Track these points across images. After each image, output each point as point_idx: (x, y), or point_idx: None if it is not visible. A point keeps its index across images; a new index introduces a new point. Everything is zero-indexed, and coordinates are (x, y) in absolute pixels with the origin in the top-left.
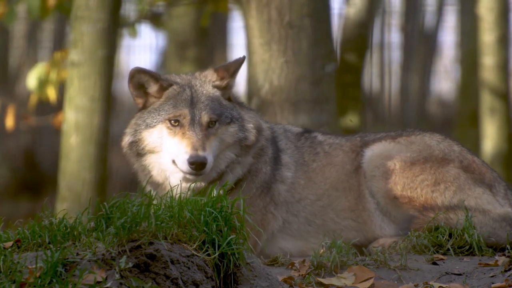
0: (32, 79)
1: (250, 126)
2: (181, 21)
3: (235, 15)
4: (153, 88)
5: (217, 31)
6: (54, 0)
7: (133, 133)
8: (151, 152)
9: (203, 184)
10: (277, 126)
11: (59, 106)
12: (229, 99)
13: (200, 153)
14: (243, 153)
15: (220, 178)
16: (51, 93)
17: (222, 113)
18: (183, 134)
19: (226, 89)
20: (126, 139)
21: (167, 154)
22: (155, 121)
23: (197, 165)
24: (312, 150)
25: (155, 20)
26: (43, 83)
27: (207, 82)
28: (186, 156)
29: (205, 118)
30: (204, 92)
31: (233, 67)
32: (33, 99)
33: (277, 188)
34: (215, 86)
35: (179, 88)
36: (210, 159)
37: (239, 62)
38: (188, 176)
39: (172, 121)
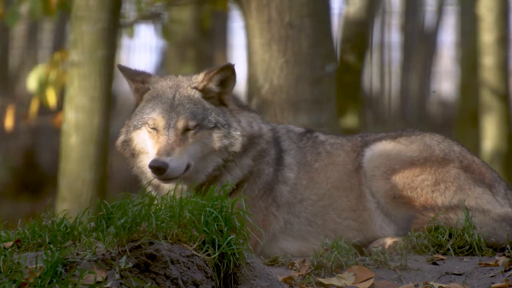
0: (32, 81)
1: (237, 133)
2: (181, 21)
3: (235, 15)
4: (131, 87)
5: (217, 31)
6: None
7: (125, 133)
8: (142, 152)
9: (185, 187)
10: (279, 126)
11: (59, 106)
12: (222, 102)
13: (162, 158)
14: (236, 157)
15: (214, 180)
16: (51, 97)
17: (205, 117)
18: (157, 138)
19: (205, 92)
20: (120, 138)
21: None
22: (140, 123)
23: (154, 170)
24: (314, 150)
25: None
26: (43, 85)
27: (192, 85)
28: (149, 161)
29: (180, 123)
30: (186, 95)
31: (214, 72)
32: (35, 103)
33: (280, 189)
34: (194, 87)
35: (157, 91)
36: (173, 164)
37: (223, 67)
38: (156, 179)
39: (150, 124)
